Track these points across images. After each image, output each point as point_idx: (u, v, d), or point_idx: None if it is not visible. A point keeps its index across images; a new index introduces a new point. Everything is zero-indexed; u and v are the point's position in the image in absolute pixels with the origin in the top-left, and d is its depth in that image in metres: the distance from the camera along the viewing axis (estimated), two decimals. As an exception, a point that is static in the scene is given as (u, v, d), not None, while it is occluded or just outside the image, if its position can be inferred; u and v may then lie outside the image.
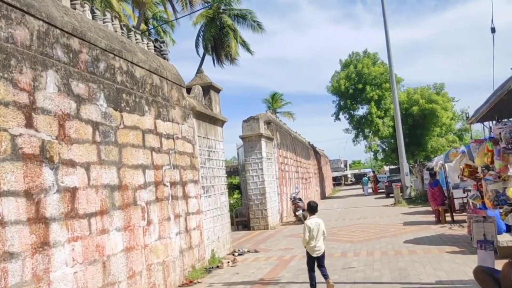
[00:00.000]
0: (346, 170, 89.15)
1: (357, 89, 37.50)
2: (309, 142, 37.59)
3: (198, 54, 33.44)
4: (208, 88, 11.54)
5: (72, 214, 5.44)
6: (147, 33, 33.77)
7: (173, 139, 8.67)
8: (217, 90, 12.08)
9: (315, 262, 6.68)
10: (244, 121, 16.88)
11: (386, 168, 69.59)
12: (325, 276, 6.61)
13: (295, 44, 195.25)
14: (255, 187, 16.56)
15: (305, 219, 17.40)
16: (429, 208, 18.18)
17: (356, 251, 10.15)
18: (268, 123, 18.77)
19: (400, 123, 23.53)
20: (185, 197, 8.86)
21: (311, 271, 6.71)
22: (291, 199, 18.24)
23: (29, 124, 4.99)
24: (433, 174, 13.93)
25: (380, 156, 48.44)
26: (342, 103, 39.46)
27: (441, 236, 11.05)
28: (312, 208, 6.97)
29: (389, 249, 9.96)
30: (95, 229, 5.83)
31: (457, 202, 13.10)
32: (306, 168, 29.73)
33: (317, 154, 41.16)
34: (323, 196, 39.77)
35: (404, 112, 33.33)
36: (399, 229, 13.01)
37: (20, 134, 4.83)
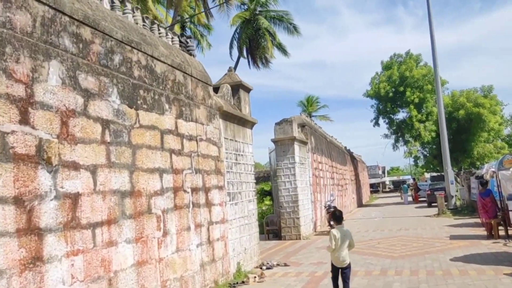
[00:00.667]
0: (384, 176, 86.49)
1: (398, 91, 35.89)
2: (345, 147, 36.28)
3: (231, 57, 33.00)
4: (238, 88, 10.81)
5: (72, 224, 4.78)
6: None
7: (197, 140, 7.96)
8: (247, 90, 11.34)
9: (339, 272, 6.49)
10: (277, 124, 16.04)
11: (427, 175, 66.84)
12: None
13: (334, 49, 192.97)
14: (287, 194, 15.67)
15: (340, 228, 16.37)
16: (478, 220, 16.71)
17: (397, 268, 9.09)
18: (302, 126, 17.86)
19: (445, 126, 22.00)
20: (208, 204, 8.12)
21: (335, 281, 6.56)
22: (325, 207, 17.24)
23: (24, 120, 4.38)
24: (484, 183, 12.60)
25: (421, 162, 46.36)
26: (381, 107, 37.94)
27: (496, 254, 9.79)
28: (337, 218, 6.74)
29: (436, 268, 8.84)
30: (100, 241, 5.16)
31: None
32: (342, 174, 28.53)
33: (354, 160, 39.73)
34: (360, 204, 38.28)
35: (448, 116, 31.53)
36: (446, 244, 11.78)
37: (12, 132, 4.22)
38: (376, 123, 38.25)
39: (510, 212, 11.77)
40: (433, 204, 27.45)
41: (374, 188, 70.65)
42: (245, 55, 32.51)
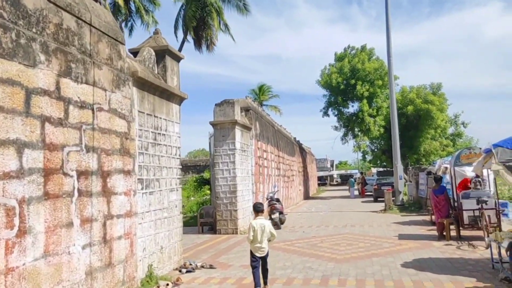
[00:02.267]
0: (332, 170, 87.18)
1: (349, 84, 35.14)
2: (295, 138, 35.13)
3: (176, 37, 30.68)
4: (163, 54, 8.93)
5: None
6: (127, 12, 31.00)
7: (93, 109, 6.05)
8: (177, 58, 9.47)
9: (259, 261, 6.73)
10: (217, 105, 14.28)
11: (374, 170, 67.67)
12: (265, 280, 6.82)
13: (290, 43, 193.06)
14: (224, 183, 13.99)
15: (282, 223, 14.90)
16: (426, 218, 15.88)
17: (341, 276, 7.65)
18: (246, 110, 16.20)
19: (397, 121, 21.18)
20: (107, 193, 6.26)
21: (255, 269, 6.69)
22: (267, 199, 15.74)
23: None
24: (438, 179, 11.53)
25: (369, 157, 46.32)
26: (332, 98, 37.09)
27: (451, 260, 8.62)
28: (256, 209, 6.98)
29: (386, 277, 7.48)
30: None
31: (466, 215, 10.70)
32: (289, 165, 27.26)
33: (302, 151, 38.76)
34: (307, 196, 37.41)
35: (397, 111, 31.09)
36: (395, 244, 10.58)
37: None
38: (325, 114, 37.44)
39: (463, 212, 10.76)
40: (379, 199, 26.88)
41: (322, 181, 70.77)
42: (192, 36, 30.28)
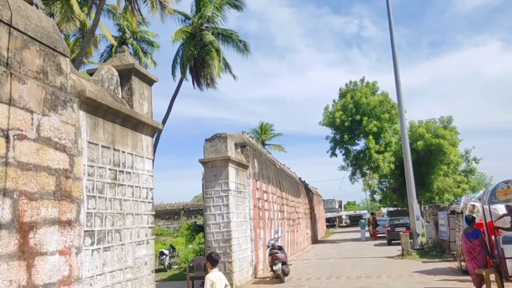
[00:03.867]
0: (341, 211, 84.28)
1: (355, 120, 33.58)
2: (300, 178, 33.24)
3: (173, 77, 29.53)
4: (129, 74, 7.34)
5: None
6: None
7: (7, 137, 4.36)
8: (148, 81, 7.88)
9: None
10: (207, 140, 12.61)
11: (384, 210, 65.04)
12: None
13: (292, 86, 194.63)
14: (217, 230, 12.08)
15: (285, 275, 12.81)
16: (451, 265, 13.73)
17: None
18: (242, 146, 14.51)
19: (409, 154, 19.41)
20: (27, 253, 4.45)
21: None
22: (268, 247, 13.72)
23: None
24: (471, 220, 9.57)
25: (378, 196, 44.10)
26: (337, 137, 35.40)
27: (502, 326, 6.58)
28: (212, 260, 6.24)
29: None
30: None
31: (510, 264, 8.67)
32: (294, 207, 25.24)
33: (309, 192, 36.72)
34: (315, 240, 35.01)
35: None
36: (423, 304, 8.52)
37: None
38: (333, 154, 35.59)
39: (507, 260, 8.73)
40: (393, 242, 24.64)
41: (331, 223, 68.08)
42: (191, 75, 29.14)
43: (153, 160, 7.80)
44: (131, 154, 6.98)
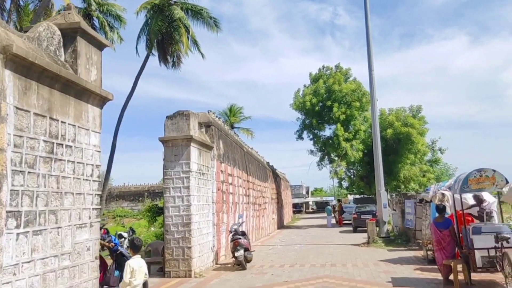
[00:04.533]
0: (308, 197, 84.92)
1: (325, 106, 33.23)
2: (268, 163, 32.75)
3: (137, 53, 28.18)
4: (74, 35, 6.41)
5: None
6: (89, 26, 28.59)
7: None
8: (98, 44, 6.95)
9: None
10: (168, 117, 11.76)
11: (350, 197, 65.75)
12: None
13: (265, 71, 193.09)
14: (176, 214, 11.33)
15: (248, 261, 12.24)
16: (417, 253, 13.53)
17: None
18: (207, 126, 13.73)
19: (379, 141, 19.07)
20: None
21: None
22: (230, 232, 13.08)
23: None
24: (441, 209, 9.20)
25: (345, 184, 44.29)
26: (307, 121, 35.01)
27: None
28: (135, 247, 6.09)
29: None
30: None
31: (479, 256, 8.36)
32: (261, 192, 24.72)
33: (276, 177, 36.34)
34: (281, 225, 34.76)
35: (377, 134, 29.22)
36: (389, 295, 8.11)
37: None
38: (300, 137, 35.34)
39: (475, 252, 8.41)
40: (359, 229, 24.58)
41: (298, 208, 68.39)
42: (157, 51, 27.82)
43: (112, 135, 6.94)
44: (74, 125, 6.11)
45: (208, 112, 14.66)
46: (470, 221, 9.70)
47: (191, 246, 11.14)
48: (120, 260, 8.54)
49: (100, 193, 6.72)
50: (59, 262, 5.57)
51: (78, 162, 6.16)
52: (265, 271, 11.58)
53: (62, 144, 5.79)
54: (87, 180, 6.37)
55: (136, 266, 5.87)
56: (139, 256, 6.12)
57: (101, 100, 6.85)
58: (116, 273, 8.44)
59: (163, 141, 11.61)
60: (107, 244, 8.93)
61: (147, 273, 6.06)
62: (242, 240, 12.25)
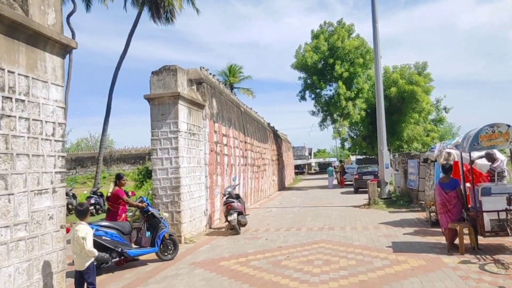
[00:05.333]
0: (311, 158, 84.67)
1: (327, 64, 31.93)
2: (268, 124, 31.93)
3: (125, 9, 26.83)
4: (24, -31, 5.46)
5: None
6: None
7: None
8: (56, -17, 5.99)
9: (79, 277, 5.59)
10: (154, 73, 10.87)
11: (353, 158, 65.26)
12: None
13: (268, 31, 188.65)
14: (164, 177, 10.66)
15: (242, 225, 11.68)
16: (419, 215, 12.94)
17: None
18: (198, 83, 12.83)
19: (382, 99, 18.11)
20: None
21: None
22: (224, 195, 12.45)
23: None
24: (448, 169, 8.44)
25: (348, 144, 43.60)
26: (309, 80, 33.82)
27: (481, 293, 5.56)
28: (80, 212, 5.70)
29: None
30: None
31: (488, 219, 7.67)
32: (260, 153, 24.05)
33: (277, 138, 35.60)
34: (282, 187, 34.37)
35: (381, 92, 28.17)
36: (390, 262, 7.48)
37: None
38: (303, 98, 34.20)
39: (484, 214, 7.72)
40: (360, 190, 24.08)
41: (300, 170, 68.22)
42: (148, 7, 26.44)
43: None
44: (26, 76, 5.28)
45: (201, 69, 13.72)
46: (481, 178, 9.00)
47: (181, 210, 10.53)
48: (151, 221, 8.48)
49: (64, 154, 5.97)
50: (12, 234, 4.88)
51: (34, 120, 5.38)
52: (259, 236, 11.03)
53: (10, 98, 4.98)
54: (47, 140, 5.61)
55: (72, 232, 5.64)
56: (84, 222, 5.67)
57: (62, 49, 5.98)
58: (148, 233, 8.37)
59: (149, 99, 10.77)
60: (140, 204, 8.61)
61: (85, 238, 5.51)
62: (236, 204, 11.64)
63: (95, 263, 6.23)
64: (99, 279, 7.45)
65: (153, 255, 8.57)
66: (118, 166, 51.19)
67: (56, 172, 5.75)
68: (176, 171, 10.60)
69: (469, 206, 8.41)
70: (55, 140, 5.77)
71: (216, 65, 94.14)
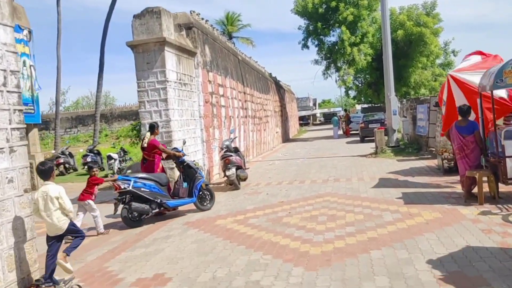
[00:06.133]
0: (315, 109, 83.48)
1: (330, 8, 30.14)
2: (270, 74, 30.73)
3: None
4: None
5: None
6: None
7: None
8: None
9: (52, 244, 4.96)
10: (136, 17, 9.80)
11: (358, 107, 64.05)
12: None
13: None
14: (154, 131, 9.86)
15: (242, 180, 11.02)
16: (429, 163, 12.20)
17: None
18: (188, 28, 11.74)
19: (390, 41, 16.83)
20: None
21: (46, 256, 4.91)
22: (222, 149, 11.68)
23: None
24: (465, 111, 7.54)
25: (353, 93, 42.38)
26: (311, 27, 32.13)
27: (508, 251, 4.83)
28: (42, 172, 5.04)
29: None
30: None
31: (511, 165, 6.86)
32: (261, 104, 23.12)
33: (280, 89, 34.47)
34: (286, 139, 33.67)
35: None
36: (401, 215, 6.77)
37: None
38: (305, 45, 32.66)
39: (507, 160, 6.89)
40: (366, 139, 23.29)
41: (305, 121, 67.32)
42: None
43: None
44: (-39, 14, 4.35)
45: (191, 13, 12.56)
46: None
47: (173, 167, 9.80)
48: (187, 172, 8.38)
49: (21, 108, 5.13)
50: (-43, 201, 4.15)
51: (-24, 67, 4.50)
52: (260, 190, 10.35)
53: None
54: (-4, 90, 4.75)
55: (39, 194, 4.92)
56: (50, 182, 5.02)
57: (7, -19, 4.99)
58: (185, 184, 8.34)
59: (132, 46, 9.79)
60: (176, 153, 8.44)
61: (61, 197, 4.94)
62: (234, 158, 10.88)
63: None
64: (96, 240, 6.87)
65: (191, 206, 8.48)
66: (119, 123, 50.56)
67: (13, 129, 4.94)
68: (167, 125, 9.80)
69: (488, 151, 7.57)
70: (7, 91, 4.90)
71: (215, 17, 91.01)
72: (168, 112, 9.77)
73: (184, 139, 9.47)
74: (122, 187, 7.55)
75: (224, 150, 11.40)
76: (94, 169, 7.71)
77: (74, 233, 5.13)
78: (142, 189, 7.62)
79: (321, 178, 11.46)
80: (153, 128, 8.62)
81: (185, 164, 8.41)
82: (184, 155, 8.51)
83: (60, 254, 5.03)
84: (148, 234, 7.04)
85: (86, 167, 18.24)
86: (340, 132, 33.82)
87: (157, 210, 7.80)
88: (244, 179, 11.32)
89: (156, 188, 7.84)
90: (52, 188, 4.95)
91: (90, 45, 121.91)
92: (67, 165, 19.20)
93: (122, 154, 17.19)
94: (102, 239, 7.00)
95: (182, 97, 10.62)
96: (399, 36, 29.38)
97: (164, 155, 8.68)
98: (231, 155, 10.90)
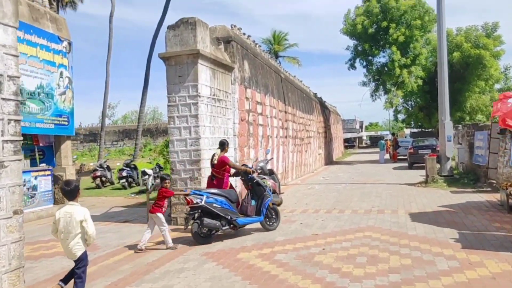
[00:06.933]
0: (362, 131, 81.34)
1: (381, 28, 28.98)
2: (315, 94, 29.80)
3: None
4: None
5: None
6: None
7: None
8: None
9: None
10: (170, 28, 9.28)
11: (407, 131, 61.60)
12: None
13: (319, 1, 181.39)
14: (182, 149, 9.21)
15: (277, 205, 10.14)
16: (489, 197, 10.80)
17: None
18: (227, 42, 11.14)
19: (446, 62, 15.44)
20: None
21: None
22: (255, 171, 10.81)
23: None
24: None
25: (402, 116, 40.54)
26: (359, 48, 31.02)
27: None
28: (67, 192, 4.66)
29: None
30: None
31: None
32: (304, 125, 22.19)
33: (325, 110, 33.39)
34: (329, 161, 32.38)
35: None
36: (460, 264, 5.60)
37: None
38: (352, 66, 31.56)
39: None
40: (415, 165, 21.74)
41: (350, 143, 65.56)
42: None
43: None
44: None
45: (232, 27, 12.00)
46: None
47: (201, 188, 9.06)
48: (256, 189, 8.18)
49: (19, 118, 4.55)
50: None
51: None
52: (293, 219, 9.39)
53: None
54: (-9, 98, 4.19)
55: (61, 214, 4.60)
56: (75, 202, 4.64)
57: (11, -23, 4.48)
58: (253, 202, 8.14)
59: (164, 58, 9.24)
60: (248, 169, 8.28)
61: (86, 220, 4.58)
62: (271, 181, 10.01)
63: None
64: (105, 267, 6.19)
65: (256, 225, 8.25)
66: (164, 138, 51.23)
67: (5, 141, 4.36)
68: (196, 143, 9.10)
69: None
70: (2, 99, 4.35)
71: (265, 37, 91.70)
72: (198, 129, 9.09)
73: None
74: (195, 201, 7.28)
75: (258, 172, 10.56)
76: (167, 181, 7.40)
77: (80, 266, 4.70)
78: (214, 204, 7.46)
79: (363, 208, 10.34)
80: (223, 145, 8.44)
81: (254, 181, 8.15)
82: (253, 172, 8.26)
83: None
84: (160, 265, 6.26)
85: (120, 181, 18.09)
86: (387, 156, 32.16)
87: (227, 227, 7.64)
88: (279, 205, 10.42)
89: (227, 204, 7.68)
90: (78, 211, 4.62)
91: (144, 62, 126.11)
92: (104, 178, 19.08)
93: (157, 170, 16.77)
94: (109, 267, 6.29)
95: (215, 113, 9.95)
96: (455, 58, 27.69)
97: (232, 171, 8.48)
98: (264, 178, 10.02)
